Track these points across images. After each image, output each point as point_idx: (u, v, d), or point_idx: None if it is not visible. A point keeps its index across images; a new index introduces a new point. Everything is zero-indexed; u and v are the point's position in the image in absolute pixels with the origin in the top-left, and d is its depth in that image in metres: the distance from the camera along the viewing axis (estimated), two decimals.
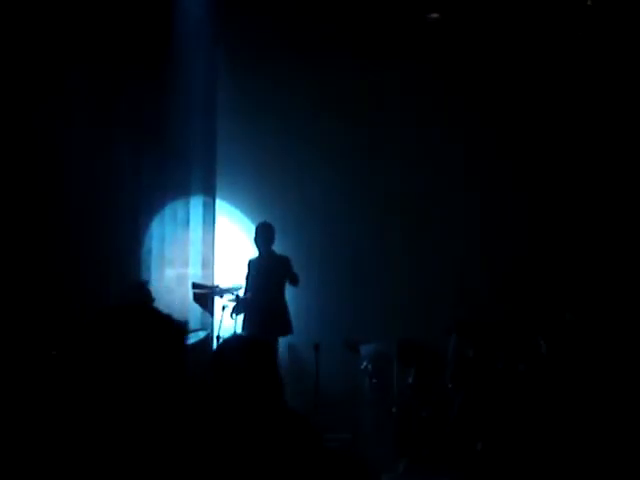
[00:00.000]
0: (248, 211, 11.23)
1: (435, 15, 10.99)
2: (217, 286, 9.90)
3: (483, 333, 8.92)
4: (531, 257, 10.97)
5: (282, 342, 9.79)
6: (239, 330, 9.44)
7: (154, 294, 9.33)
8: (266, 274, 9.68)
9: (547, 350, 8.21)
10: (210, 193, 10.87)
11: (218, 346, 3.50)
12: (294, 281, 9.68)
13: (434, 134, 11.36)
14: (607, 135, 10.92)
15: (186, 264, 10.49)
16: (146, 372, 2.75)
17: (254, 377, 3.27)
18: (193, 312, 10.03)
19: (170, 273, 10.33)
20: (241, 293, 9.60)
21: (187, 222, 10.61)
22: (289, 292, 9.97)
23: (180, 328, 2.98)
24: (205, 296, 9.38)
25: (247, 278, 9.87)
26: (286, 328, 9.70)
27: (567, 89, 11.10)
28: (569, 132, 11.13)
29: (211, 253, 10.78)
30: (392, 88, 11.37)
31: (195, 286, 9.53)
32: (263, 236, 9.84)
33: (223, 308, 9.35)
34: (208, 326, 9.93)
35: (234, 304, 9.45)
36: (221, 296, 9.44)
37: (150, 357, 2.77)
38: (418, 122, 11.40)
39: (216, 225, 10.91)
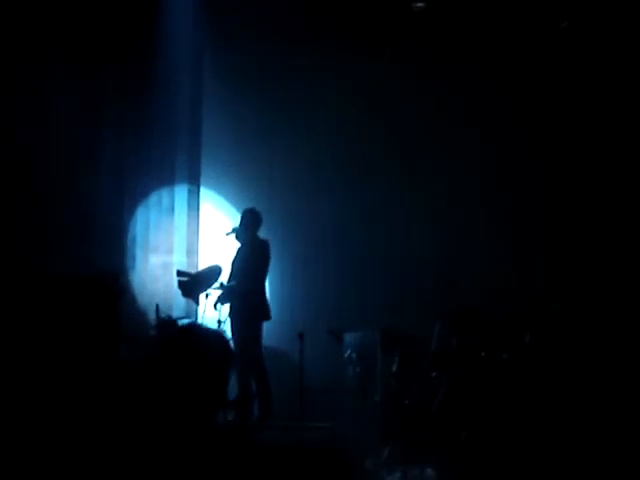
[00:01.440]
0: (232, 199, 11.21)
1: (421, 5, 11.00)
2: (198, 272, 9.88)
3: (467, 322, 8.94)
4: (517, 246, 10.99)
5: (266, 330, 9.77)
6: (223, 318, 9.42)
7: (137, 282, 9.36)
8: (244, 261, 9.66)
9: (531, 340, 8.23)
10: (195, 181, 10.87)
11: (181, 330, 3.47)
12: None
13: (428, 117, 11.34)
14: (599, 130, 10.96)
15: (171, 251, 10.48)
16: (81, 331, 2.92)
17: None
18: (177, 300, 10.01)
19: (154, 260, 10.32)
20: (222, 278, 9.56)
21: (172, 209, 10.60)
22: (274, 280, 9.96)
23: (113, 290, 3.15)
24: (189, 284, 9.34)
25: (232, 265, 9.85)
26: (263, 313, 9.64)
27: (567, 78, 11.12)
28: (561, 123, 11.14)
29: (196, 240, 10.78)
30: (384, 73, 11.32)
31: (179, 274, 9.48)
32: (247, 222, 9.81)
33: (207, 296, 9.33)
34: (192, 314, 9.91)
35: (218, 293, 9.43)
36: (207, 287, 9.37)
37: (87, 319, 2.95)
38: (417, 107, 11.36)
39: (200, 212, 10.89)
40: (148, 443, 3.03)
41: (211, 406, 3.22)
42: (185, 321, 9.26)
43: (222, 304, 9.42)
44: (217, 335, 3.69)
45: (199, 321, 9.28)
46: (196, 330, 3.59)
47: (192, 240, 10.72)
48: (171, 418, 3.13)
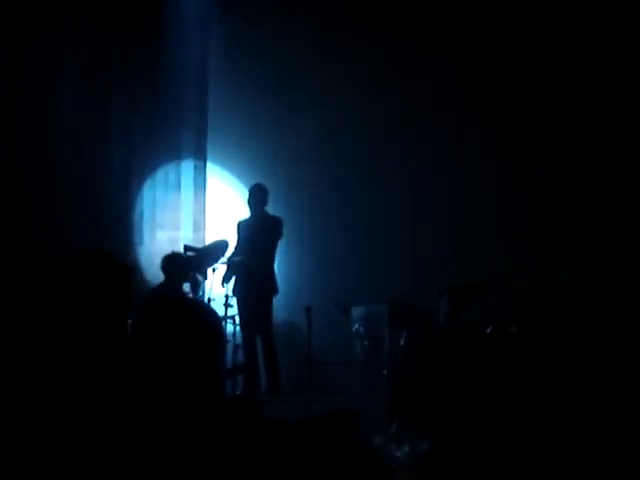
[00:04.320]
0: (239, 174, 11.21)
1: None
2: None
3: (476, 295, 8.92)
4: (525, 215, 10.94)
5: (274, 305, 9.79)
6: (230, 292, 9.44)
7: (145, 257, 9.43)
8: (257, 235, 9.68)
9: (538, 315, 8.15)
10: (201, 156, 10.89)
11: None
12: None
13: (435, 87, 11.26)
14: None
15: (177, 227, 10.53)
16: (95, 309, 2.93)
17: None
18: None
19: (162, 236, 10.36)
20: (228, 253, 9.56)
21: (178, 185, 10.63)
22: (281, 254, 9.97)
23: (125, 267, 3.16)
24: (196, 258, 9.36)
25: (238, 240, 9.85)
26: (271, 288, 9.67)
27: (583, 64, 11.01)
28: (578, 111, 11.01)
29: (202, 216, 10.81)
30: (389, 42, 11.23)
31: (187, 249, 9.51)
32: (255, 198, 9.84)
33: (214, 270, 9.35)
34: (201, 289, 9.93)
35: (225, 270, 9.45)
36: (214, 261, 9.38)
37: (98, 295, 2.96)
38: (417, 74, 11.28)
39: (207, 188, 10.91)
40: (153, 421, 3.01)
41: (208, 378, 3.19)
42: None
43: (228, 281, 9.45)
44: (201, 306, 3.68)
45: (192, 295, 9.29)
46: (179, 302, 3.58)
47: (199, 216, 10.75)
48: (172, 392, 3.11)
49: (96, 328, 3.02)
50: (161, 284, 9.07)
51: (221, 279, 9.47)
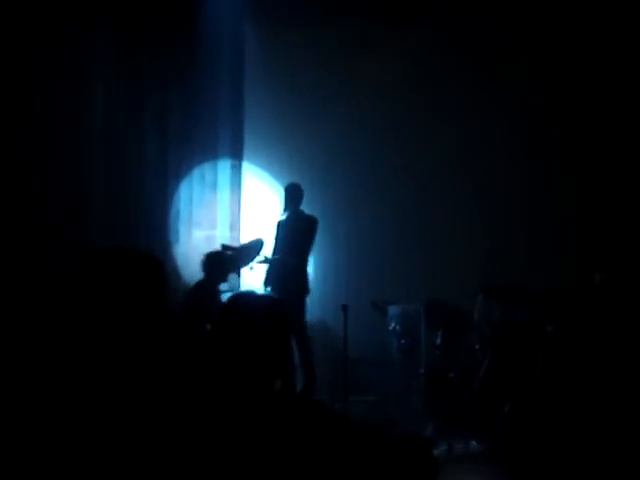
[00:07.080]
0: (275, 173, 11.23)
1: None
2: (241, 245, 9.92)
3: (510, 294, 8.88)
4: (560, 216, 10.87)
5: (309, 303, 9.78)
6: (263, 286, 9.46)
7: (181, 255, 9.46)
8: (292, 234, 9.67)
9: (574, 313, 8.10)
10: (237, 155, 10.89)
11: (229, 301, 3.44)
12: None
13: (458, 94, 11.22)
14: None
15: (214, 226, 10.54)
16: (127, 307, 2.90)
17: (266, 339, 3.23)
18: None
19: (198, 235, 10.38)
20: (266, 252, 9.58)
21: (215, 184, 10.64)
22: (317, 252, 9.96)
23: (157, 262, 3.12)
24: (234, 257, 9.39)
25: (275, 239, 9.87)
26: (303, 288, 9.61)
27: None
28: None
29: (238, 215, 10.81)
30: (419, 49, 11.21)
31: (224, 248, 9.54)
32: (291, 197, 9.83)
33: (251, 269, 9.37)
34: (236, 288, 9.96)
35: (265, 271, 9.46)
36: (249, 260, 9.40)
37: (130, 292, 2.93)
38: (447, 79, 11.25)
39: (243, 187, 10.93)
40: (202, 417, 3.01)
41: (269, 374, 3.19)
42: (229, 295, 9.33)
43: (269, 283, 9.45)
44: (268, 300, 3.66)
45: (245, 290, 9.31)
46: (244, 298, 3.55)
47: (235, 214, 10.76)
48: (228, 388, 3.11)
49: (119, 322, 2.99)
50: (200, 282, 9.05)
51: (263, 282, 9.49)
